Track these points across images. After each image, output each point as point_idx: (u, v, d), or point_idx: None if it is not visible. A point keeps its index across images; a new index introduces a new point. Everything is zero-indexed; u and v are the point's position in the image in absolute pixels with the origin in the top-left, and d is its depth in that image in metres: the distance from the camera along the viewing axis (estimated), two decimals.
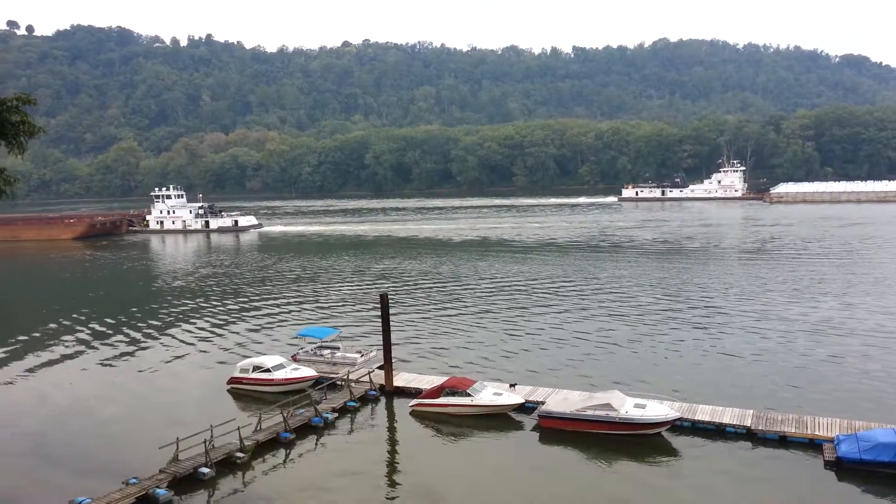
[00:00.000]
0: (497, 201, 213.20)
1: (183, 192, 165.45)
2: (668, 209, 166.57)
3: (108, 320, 61.44)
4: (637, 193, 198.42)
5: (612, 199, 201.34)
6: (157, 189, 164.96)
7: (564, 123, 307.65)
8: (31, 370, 47.08)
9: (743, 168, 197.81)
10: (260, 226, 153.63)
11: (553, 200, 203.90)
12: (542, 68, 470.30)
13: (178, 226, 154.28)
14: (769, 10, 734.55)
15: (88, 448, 33.32)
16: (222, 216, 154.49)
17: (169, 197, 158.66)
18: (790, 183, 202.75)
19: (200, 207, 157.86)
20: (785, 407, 33.65)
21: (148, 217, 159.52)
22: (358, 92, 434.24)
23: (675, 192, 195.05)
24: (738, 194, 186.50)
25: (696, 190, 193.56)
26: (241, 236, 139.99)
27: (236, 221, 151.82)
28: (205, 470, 29.39)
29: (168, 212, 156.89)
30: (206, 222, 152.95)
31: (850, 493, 26.56)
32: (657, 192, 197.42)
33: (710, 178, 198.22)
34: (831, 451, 28.68)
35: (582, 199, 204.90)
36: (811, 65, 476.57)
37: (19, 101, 24.24)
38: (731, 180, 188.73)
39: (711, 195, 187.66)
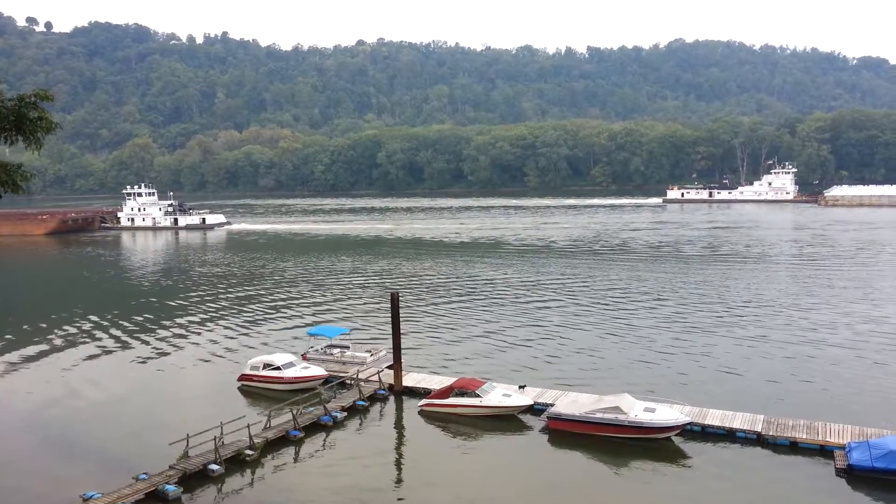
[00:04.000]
0: (537, 202, 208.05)
1: (154, 191, 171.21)
2: (716, 212, 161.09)
3: (115, 317, 61.81)
4: (683, 195, 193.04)
5: (655, 200, 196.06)
6: (129, 187, 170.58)
7: (577, 124, 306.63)
8: (42, 366, 47.49)
9: (795, 170, 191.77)
10: (229, 223, 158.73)
11: (596, 201, 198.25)
12: (556, 68, 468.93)
13: (148, 223, 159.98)
14: (786, 12, 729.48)
15: (99, 444, 33.59)
16: (191, 214, 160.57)
17: (140, 195, 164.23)
18: (844, 185, 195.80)
19: (170, 205, 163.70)
20: (796, 413, 33.36)
21: (120, 214, 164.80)
22: (371, 91, 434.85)
23: (724, 194, 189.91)
24: (790, 197, 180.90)
25: (745, 192, 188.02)
26: (209, 234, 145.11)
27: (204, 219, 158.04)
28: (214, 467, 29.56)
29: (139, 209, 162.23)
30: (175, 219, 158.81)
31: (862, 502, 26.30)
32: (704, 194, 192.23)
33: (760, 179, 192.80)
34: (843, 459, 28.39)
35: (625, 200, 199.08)
36: (828, 67, 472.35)
37: (38, 97, 24.40)
38: (782, 182, 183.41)
39: (761, 197, 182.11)
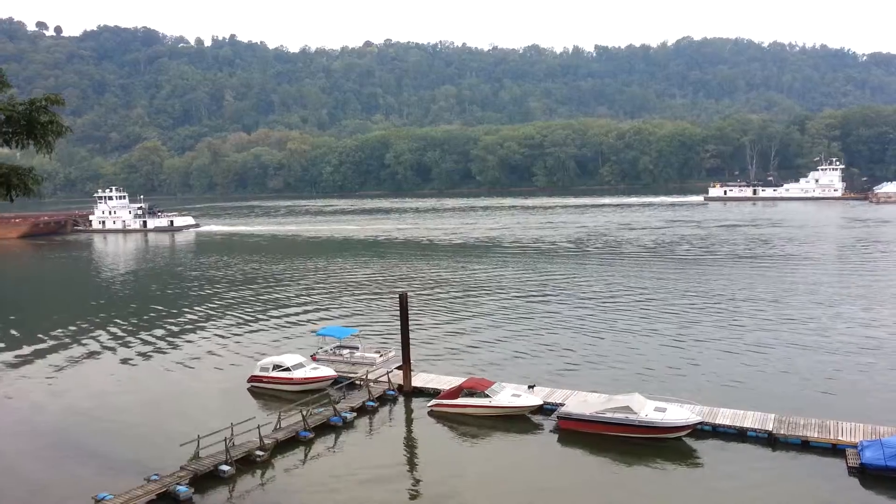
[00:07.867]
0: (574, 201, 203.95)
1: (125, 194, 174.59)
2: (761, 210, 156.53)
3: (126, 320, 62.11)
4: (725, 192, 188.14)
5: (695, 198, 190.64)
6: (100, 191, 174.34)
7: (585, 123, 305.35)
8: (52, 368, 47.75)
9: (842, 166, 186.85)
10: (197, 226, 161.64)
11: (633, 199, 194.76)
12: (563, 67, 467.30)
13: (119, 225, 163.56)
14: (795, 8, 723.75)
15: (110, 445, 33.78)
16: (159, 216, 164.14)
17: (111, 198, 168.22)
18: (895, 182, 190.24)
19: (139, 208, 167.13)
20: (807, 412, 33.14)
21: (91, 217, 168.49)
22: (379, 91, 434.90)
23: (769, 192, 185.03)
24: (838, 194, 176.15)
25: (791, 189, 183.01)
26: (177, 236, 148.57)
27: (172, 221, 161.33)
28: (225, 468, 29.69)
29: (109, 212, 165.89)
30: (144, 222, 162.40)
31: (874, 501, 26.12)
32: (748, 192, 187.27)
33: (806, 176, 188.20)
34: (855, 458, 28.20)
35: (661, 198, 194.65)
36: (837, 63, 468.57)
37: (48, 101, 24.63)
38: (829, 179, 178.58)
39: (808, 195, 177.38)
